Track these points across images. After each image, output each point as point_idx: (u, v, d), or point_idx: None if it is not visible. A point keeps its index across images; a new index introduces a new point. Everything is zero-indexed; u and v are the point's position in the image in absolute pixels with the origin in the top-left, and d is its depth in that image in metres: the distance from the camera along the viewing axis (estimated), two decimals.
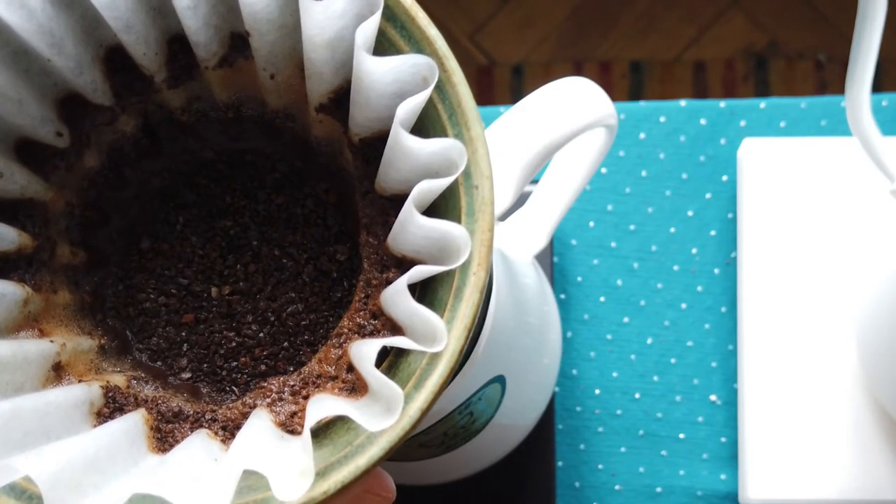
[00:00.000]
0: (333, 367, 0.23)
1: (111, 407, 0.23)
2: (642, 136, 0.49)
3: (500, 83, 1.14)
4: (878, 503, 0.44)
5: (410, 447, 0.34)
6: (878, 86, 1.08)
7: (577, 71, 1.11)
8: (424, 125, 0.22)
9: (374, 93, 0.21)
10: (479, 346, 0.29)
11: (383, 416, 0.20)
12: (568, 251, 0.49)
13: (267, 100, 0.25)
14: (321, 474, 0.21)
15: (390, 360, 0.22)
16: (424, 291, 0.22)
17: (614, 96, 1.09)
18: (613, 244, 0.49)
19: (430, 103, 0.22)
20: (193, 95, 0.25)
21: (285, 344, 0.27)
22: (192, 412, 0.23)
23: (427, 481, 0.45)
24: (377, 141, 0.23)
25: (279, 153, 0.27)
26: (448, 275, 0.21)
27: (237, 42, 0.24)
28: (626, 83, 1.12)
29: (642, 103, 0.49)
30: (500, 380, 0.35)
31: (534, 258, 0.40)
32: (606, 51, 1.13)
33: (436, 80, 0.21)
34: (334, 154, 0.25)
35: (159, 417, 0.23)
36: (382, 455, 0.21)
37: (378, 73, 0.21)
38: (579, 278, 0.49)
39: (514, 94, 1.13)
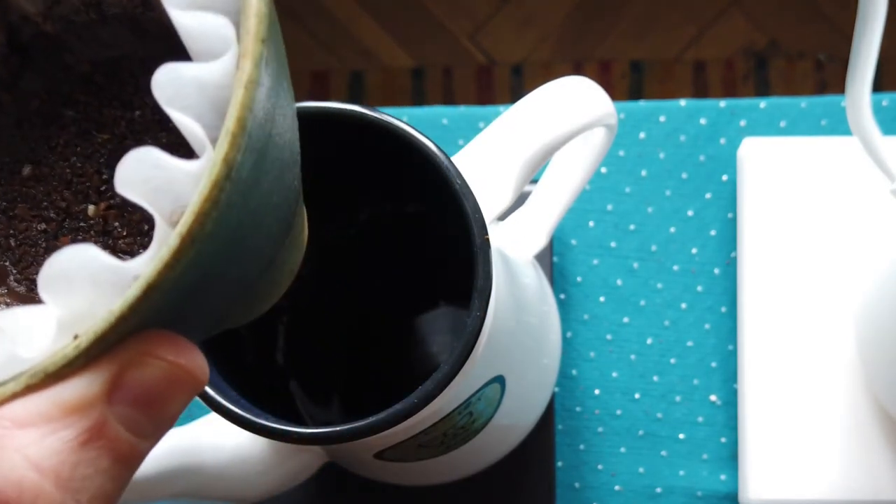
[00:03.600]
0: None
1: None
2: (642, 135, 0.49)
3: (499, 83, 1.14)
4: (878, 503, 0.44)
5: (410, 447, 0.34)
6: (879, 85, 1.08)
7: (577, 70, 1.11)
8: None
9: None
10: (479, 345, 0.29)
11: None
12: (568, 251, 0.49)
13: None
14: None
15: None
16: None
17: (614, 96, 1.09)
18: (613, 244, 0.49)
19: None
20: None
21: None
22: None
23: (427, 481, 0.45)
24: None
25: (153, 54, 0.26)
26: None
27: None
28: (626, 83, 1.12)
29: (642, 103, 0.49)
30: (499, 380, 0.35)
31: (533, 258, 0.40)
32: (606, 50, 1.13)
33: None
34: None
35: None
36: (138, 294, 0.16)
37: None
38: (579, 278, 0.49)
39: (514, 94, 1.13)
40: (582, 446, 0.48)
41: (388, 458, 0.36)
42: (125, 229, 0.26)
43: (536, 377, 0.41)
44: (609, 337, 0.48)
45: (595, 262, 0.49)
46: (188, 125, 0.17)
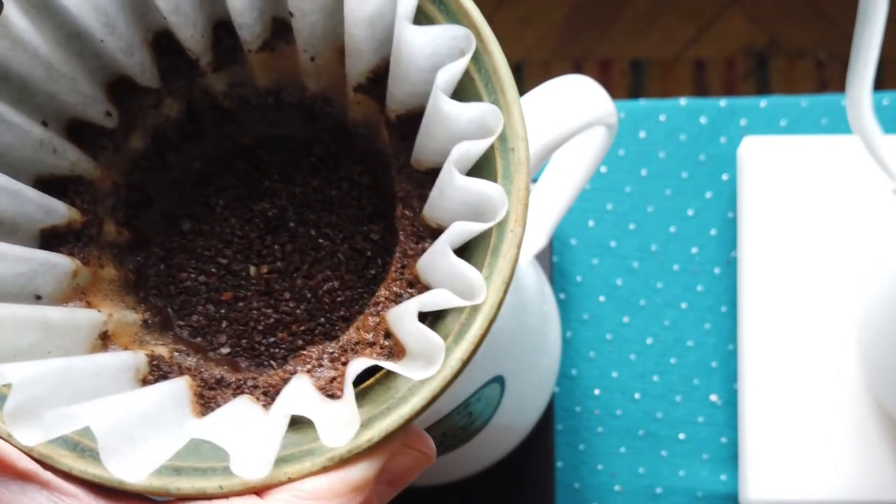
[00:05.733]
0: (371, 335, 0.24)
1: (156, 374, 0.25)
2: (642, 134, 0.49)
3: None
4: (878, 503, 0.44)
5: None
6: (879, 84, 1.08)
7: (577, 69, 1.11)
8: (460, 97, 0.23)
9: (412, 65, 0.22)
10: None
11: (424, 368, 0.21)
12: (567, 251, 0.49)
13: (306, 83, 0.26)
14: (365, 425, 0.21)
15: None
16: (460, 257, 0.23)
17: (614, 95, 1.09)
18: (613, 243, 0.49)
19: (466, 75, 0.22)
20: (236, 81, 0.27)
21: (321, 320, 0.28)
22: (234, 379, 0.24)
23: (426, 482, 0.45)
24: (413, 118, 0.24)
25: (316, 138, 0.29)
26: (483, 237, 0.22)
27: (279, 26, 0.25)
28: (626, 82, 1.12)
29: (642, 102, 0.49)
30: (499, 380, 0.35)
31: (533, 258, 0.40)
32: (606, 49, 1.13)
33: (472, 50, 0.22)
34: (370, 136, 0.26)
35: (202, 384, 0.24)
36: (425, 404, 0.21)
37: (417, 43, 0.22)
38: (579, 278, 0.48)
39: None
40: (582, 446, 0.47)
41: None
42: (288, 293, 0.28)
43: (536, 377, 0.41)
44: (609, 337, 0.48)
45: (595, 261, 0.49)
46: (467, 272, 0.21)
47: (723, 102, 0.49)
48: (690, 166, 0.49)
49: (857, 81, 0.34)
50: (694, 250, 0.48)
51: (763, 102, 0.49)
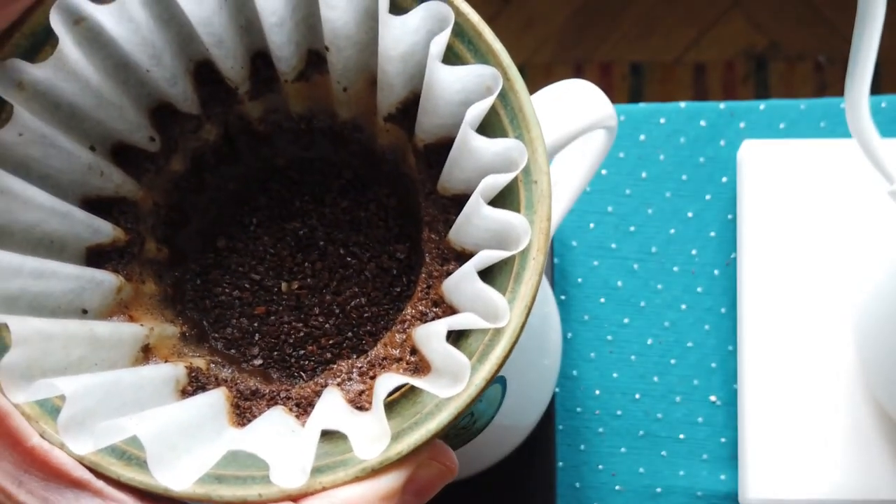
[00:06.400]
0: (398, 351, 0.25)
1: (194, 385, 0.26)
2: (642, 137, 0.49)
3: None
4: (878, 503, 0.45)
5: None
6: (878, 87, 1.08)
7: (578, 73, 1.11)
8: (486, 132, 0.24)
9: (442, 100, 0.24)
10: None
11: (450, 386, 0.22)
12: (568, 252, 0.49)
13: (338, 111, 0.27)
14: (394, 438, 0.23)
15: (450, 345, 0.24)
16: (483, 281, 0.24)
17: (614, 98, 1.09)
18: (613, 245, 0.49)
19: (492, 110, 0.24)
20: (271, 107, 0.28)
21: (349, 334, 0.29)
22: (267, 391, 0.26)
23: None
24: (440, 147, 0.25)
25: (345, 161, 0.30)
26: (506, 264, 0.24)
27: (314, 58, 0.27)
28: (626, 85, 1.12)
29: (642, 105, 0.50)
30: (500, 380, 0.35)
31: None
32: (606, 53, 1.13)
33: (499, 88, 0.23)
34: (397, 161, 0.28)
35: (238, 395, 0.26)
36: (451, 420, 0.23)
37: (448, 80, 0.23)
38: (579, 279, 0.49)
39: None
40: (582, 446, 0.48)
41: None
42: (317, 308, 0.30)
43: (537, 378, 0.41)
44: (609, 338, 0.48)
45: (595, 263, 0.49)
46: (493, 297, 0.22)
47: (722, 105, 0.49)
48: (690, 169, 0.49)
49: (856, 85, 0.34)
50: (694, 252, 0.49)
51: (762, 105, 0.49)
